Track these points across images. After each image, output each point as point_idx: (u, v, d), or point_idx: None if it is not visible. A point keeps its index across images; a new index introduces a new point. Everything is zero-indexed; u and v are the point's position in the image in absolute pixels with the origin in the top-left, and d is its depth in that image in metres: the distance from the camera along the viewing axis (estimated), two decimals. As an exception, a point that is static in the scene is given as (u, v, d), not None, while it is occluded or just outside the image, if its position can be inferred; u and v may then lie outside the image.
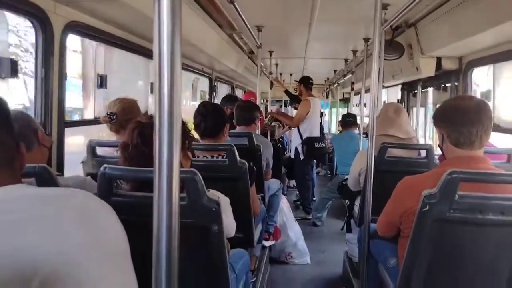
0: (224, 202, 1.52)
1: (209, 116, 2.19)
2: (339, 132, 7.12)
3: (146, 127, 1.33)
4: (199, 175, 1.24)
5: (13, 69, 1.70)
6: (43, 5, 1.82)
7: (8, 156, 0.84)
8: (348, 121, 5.05)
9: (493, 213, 1.27)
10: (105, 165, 1.25)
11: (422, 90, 4.03)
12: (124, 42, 2.53)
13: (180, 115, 0.65)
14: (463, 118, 1.46)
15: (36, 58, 1.89)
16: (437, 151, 2.39)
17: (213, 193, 1.32)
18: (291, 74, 8.25)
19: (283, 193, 3.94)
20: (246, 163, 1.98)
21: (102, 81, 2.37)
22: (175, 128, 0.64)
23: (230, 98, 4.16)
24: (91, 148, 2.00)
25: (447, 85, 3.30)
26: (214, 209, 1.26)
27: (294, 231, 3.52)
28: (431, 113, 4.01)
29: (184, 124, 1.57)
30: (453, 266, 1.39)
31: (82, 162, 2.03)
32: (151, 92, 3.16)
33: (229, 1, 2.33)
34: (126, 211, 1.26)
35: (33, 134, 1.41)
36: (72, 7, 2.00)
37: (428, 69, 3.24)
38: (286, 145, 6.76)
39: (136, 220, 1.19)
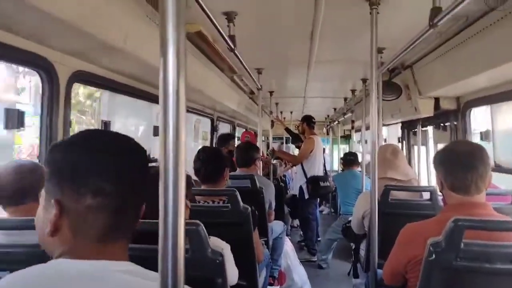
0: (226, 250, 1.49)
1: (209, 162, 2.21)
2: (341, 170, 7.12)
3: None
4: (202, 226, 1.22)
5: (19, 120, 1.73)
6: (50, 57, 1.87)
7: (134, 226, 0.80)
8: (349, 160, 5.06)
9: (501, 262, 1.25)
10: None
11: (422, 129, 4.06)
12: (128, 88, 2.58)
13: (184, 161, 0.63)
14: (456, 164, 1.47)
15: (42, 107, 1.92)
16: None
17: (214, 241, 1.29)
18: (291, 112, 8.36)
19: (286, 234, 3.89)
20: (249, 208, 1.96)
21: (106, 128, 2.40)
22: (180, 175, 0.62)
23: (226, 138, 4.17)
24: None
25: (446, 124, 3.33)
26: (218, 261, 1.24)
27: (299, 274, 3.43)
28: (432, 152, 4.02)
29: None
30: (463, 317, 1.34)
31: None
32: (154, 135, 3.20)
33: (230, 49, 2.40)
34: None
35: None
36: (77, 58, 2.06)
37: (426, 109, 3.29)
38: (289, 184, 6.73)
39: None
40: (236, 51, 2.49)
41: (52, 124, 1.93)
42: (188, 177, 1.59)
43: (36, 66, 1.86)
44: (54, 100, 1.94)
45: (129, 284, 0.70)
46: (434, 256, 1.29)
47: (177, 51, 0.61)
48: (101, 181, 0.72)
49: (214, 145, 4.76)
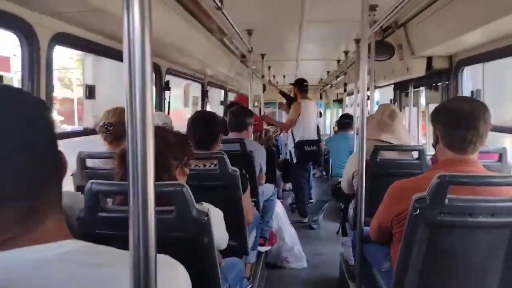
0: (217, 215, 1.50)
1: (203, 127, 2.18)
2: (334, 133, 7.14)
3: None
4: (187, 187, 1.22)
5: (-1, 82, 1.68)
6: (28, 18, 1.80)
7: (58, 189, 0.67)
8: (344, 123, 5.03)
9: (483, 215, 1.27)
10: (91, 180, 1.23)
11: (414, 90, 4.04)
12: (112, 51, 2.50)
13: (152, 122, 0.61)
14: (457, 122, 1.43)
15: (22, 71, 1.87)
16: (429, 151, 2.39)
17: (205, 207, 1.30)
18: (284, 76, 8.25)
19: (278, 197, 3.94)
20: (238, 171, 1.97)
21: (90, 92, 2.35)
22: (148, 136, 0.60)
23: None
24: (81, 160, 1.98)
25: (438, 84, 3.30)
26: (203, 221, 1.24)
27: (290, 235, 3.51)
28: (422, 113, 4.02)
29: (186, 139, 1.55)
30: (446, 270, 1.38)
31: (72, 174, 2.01)
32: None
33: (217, 7, 2.32)
34: (114, 226, 1.25)
35: None
36: (58, 19, 1.98)
37: (418, 69, 3.25)
38: (281, 148, 6.76)
39: (123, 235, 1.17)
40: (223, 10, 2.41)
41: (34, 90, 1.88)
42: (190, 145, 1.56)
43: (14, 28, 1.78)
44: (35, 64, 1.88)
45: (64, 271, 0.61)
46: (418, 211, 1.30)
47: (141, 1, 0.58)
48: None
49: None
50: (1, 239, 0.59)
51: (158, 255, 0.65)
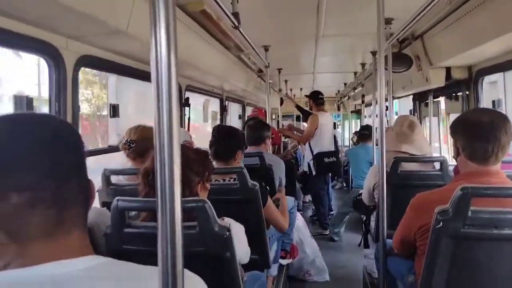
0: (238, 230, 1.52)
1: (222, 140, 2.22)
2: (353, 144, 7.10)
3: None
4: (209, 203, 1.25)
5: (28, 107, 1.76)
6: (55, 42, 1.89)
7: (84, 211, 0.69)
8: (364, 134, 5.01)
9: (509, 227, 1.25)
10: (117, 198, 1.28)
11: (434, 100, 3.99)
12: (134, 71, 2.59)
13: (178, 140, 0.63)
14: (477, 134, 1.43)
15: (50, 93, 1.95)
16: (451, 162, 2.36)
17: (227, 222, 1.32)
18: (301, 89, 8.28)
19: (298, 209, 3.93)
20: (258, 185, 1.98)
21: (114, 111, 2.43)
22: (174, 151, 0.63)
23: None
24: (106, 176, 2.04)
25: (458, 94, 3.27)
26: (225, 236, 1.27)
27: (311, 247, 3.48)
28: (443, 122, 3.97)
29: (206, 155, 1.59)
30: (471, 283, 1.36)
31: (97, 191, 2.07)
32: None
33: (234, 26, 2.37)
34: (139, 242, 1.29)
35: None
36: (82, 42, 2.07)
37: (437, 80, 3.23)
38: (300, 160, 6.75)
39: (149, 250, 1.21)
40: (240, 29, 2.46)
41: (61, 110, 1.96)
42: (210, 161, 1.60)
43: (42, 52, 1.87)
44: (61, 85, 1.96)
45: (85, 287, 0.62)
46: (441, 224, 1.29)
47: (167, 28, 0.62)
48: (21, 174, 0.61)
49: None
50: (31, 248, 0.62)
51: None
